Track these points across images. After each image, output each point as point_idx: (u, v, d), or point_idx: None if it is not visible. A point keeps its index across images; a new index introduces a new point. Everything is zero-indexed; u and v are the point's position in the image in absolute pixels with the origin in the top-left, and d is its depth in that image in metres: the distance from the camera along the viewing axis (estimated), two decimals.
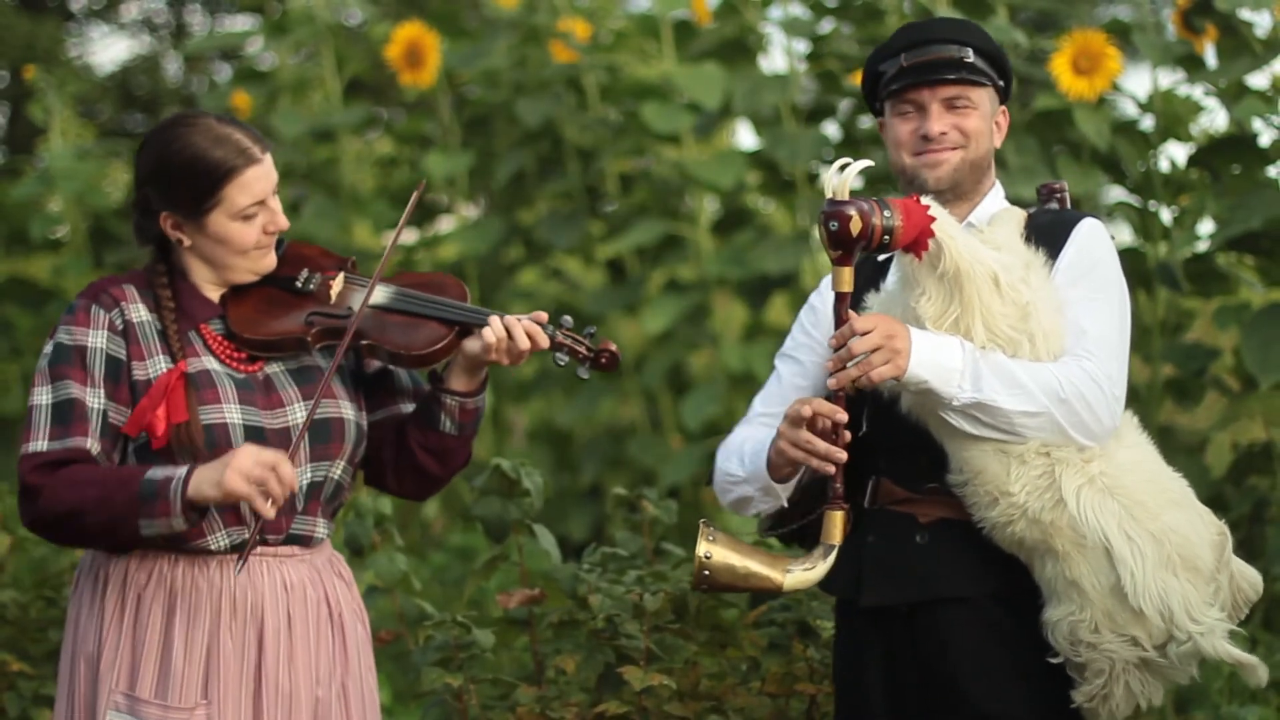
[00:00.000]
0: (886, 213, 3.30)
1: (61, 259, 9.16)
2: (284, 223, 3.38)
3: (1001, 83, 3.58)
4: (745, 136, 11.29)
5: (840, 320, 3.36)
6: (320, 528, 3.41)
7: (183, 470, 3.19)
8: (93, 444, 3.26)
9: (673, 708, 4.24)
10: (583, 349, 3.46)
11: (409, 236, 9.21)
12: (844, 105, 8.21)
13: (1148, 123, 6.49)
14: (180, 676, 3.28)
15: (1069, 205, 3.64)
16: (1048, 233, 3.51)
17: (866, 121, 8.02)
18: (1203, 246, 6.26)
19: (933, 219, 3.33)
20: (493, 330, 3.37)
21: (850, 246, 3.31)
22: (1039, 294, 3.41)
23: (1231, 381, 6.43)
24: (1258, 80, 6.35)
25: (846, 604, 3.61)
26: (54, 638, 5.35)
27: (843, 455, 3.39)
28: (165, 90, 13.23)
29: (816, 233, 3.39)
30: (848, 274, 3.35)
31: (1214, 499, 5.93)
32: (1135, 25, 6.62)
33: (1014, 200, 3.68)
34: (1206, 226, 6.29)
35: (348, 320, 3.37)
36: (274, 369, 3.37)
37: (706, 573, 3.45)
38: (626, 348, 8.84)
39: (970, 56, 3.51)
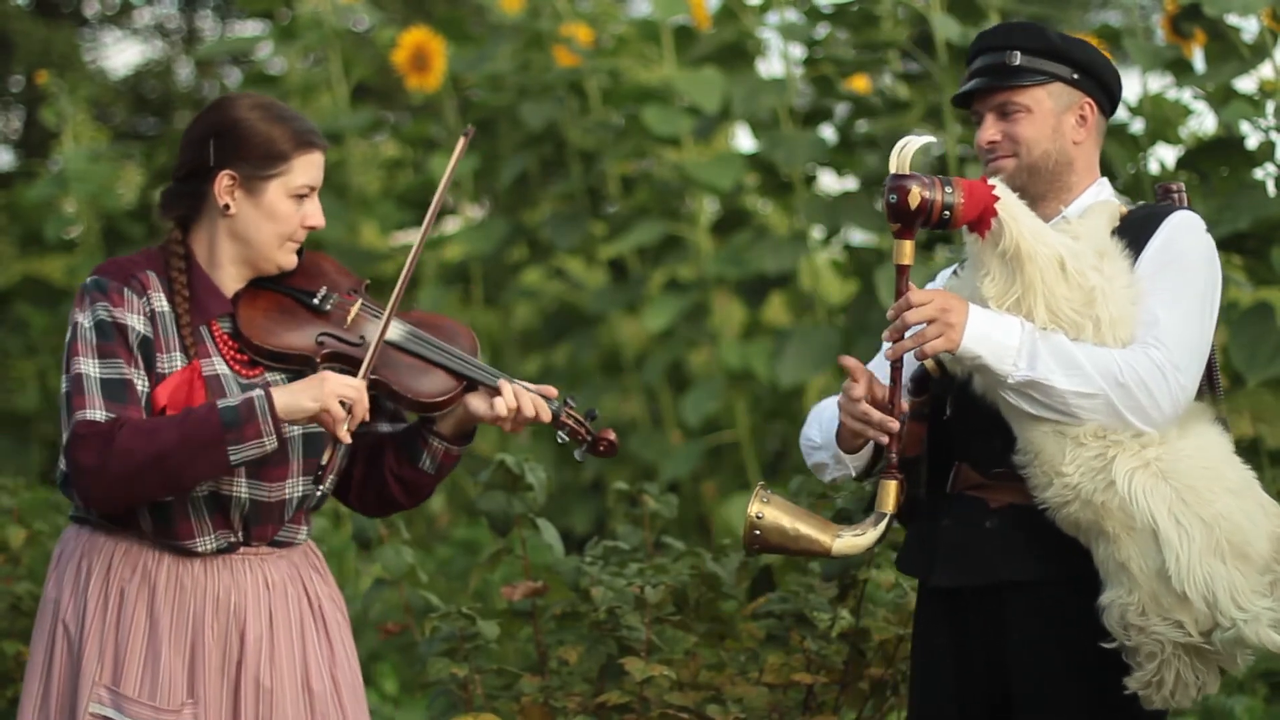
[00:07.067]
0: (948, 189, 3.33)
1: (75, 259, 9.21)
2: (321, 221, 3.39)
3: (1076, 75, 3.50)
4: (744, 139, 11.32)
5: (900, 293, 3.39)
6: (302, 533, 3.43)
7: (258, 392, 3.20)
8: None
9: (673, 698, 4.26)
10: (583, 431, 3.45)
11: (411, 237, 9.27)
12: (840, 108, 8.25)
13: (1137, 126, 6.52)
14: (167, 675, 3.27)
15: (1185, 204, 3.58)
16: (1139, 224, 3.48)
17: (863, 124, 8.09)
18: None
19: (996, 199, 3.35)
20: (504, 401, 3.36)
21: (909, 220, 3.34)
22: (1112, 282, 3.40)
23: (1220, 379, 6.48)
24: (1245, 84, 6.36)
25: (924, 586, 3.62)
26: None
27: (895, 425, 3.41)
28: (177, 94, 13.25)
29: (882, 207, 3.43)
30: (909, 247, 3.38)
31: None
32: (1125, 30, 6.65)
33: None
34: None
35: (358, 348, 3.35)
36: (273, 378, 3.34)
37: (757, 532, 3.45)
38: (628, 346, 8.93)
39: (1016, 60, 3.49)
